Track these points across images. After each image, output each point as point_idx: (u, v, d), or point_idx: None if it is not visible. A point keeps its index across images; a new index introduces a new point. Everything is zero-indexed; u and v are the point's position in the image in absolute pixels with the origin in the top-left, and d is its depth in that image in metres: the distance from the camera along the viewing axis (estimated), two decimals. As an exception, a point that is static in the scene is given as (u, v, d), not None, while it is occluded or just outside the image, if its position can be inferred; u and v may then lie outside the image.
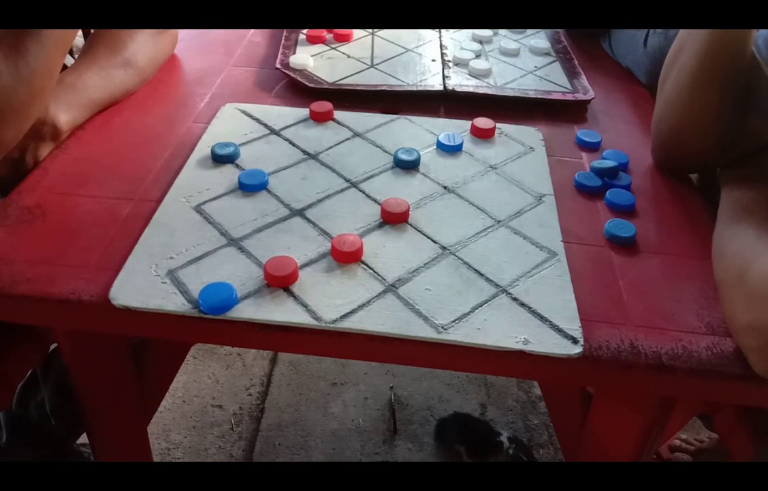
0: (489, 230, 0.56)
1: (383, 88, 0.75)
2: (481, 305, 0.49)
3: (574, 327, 0.47)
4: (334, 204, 0.58)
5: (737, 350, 0.46)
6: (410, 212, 0.57)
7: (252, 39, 0.89)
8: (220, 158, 0.62)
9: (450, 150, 0.66)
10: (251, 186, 0.59)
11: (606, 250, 0.55)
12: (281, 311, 0.47)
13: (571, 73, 0.80)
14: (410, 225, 0.56)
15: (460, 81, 0.77)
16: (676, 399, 0.54)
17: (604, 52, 0.89)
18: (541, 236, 0.55)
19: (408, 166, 0.63)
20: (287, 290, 0.49)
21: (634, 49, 0.81)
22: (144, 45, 0.73)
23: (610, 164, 0.63)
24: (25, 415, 0.83)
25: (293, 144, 0.66)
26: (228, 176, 0.61)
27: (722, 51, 0.56)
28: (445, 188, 0.61)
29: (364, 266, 0.52)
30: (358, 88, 0.75)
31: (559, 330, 0.47)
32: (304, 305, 0.48)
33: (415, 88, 0.75)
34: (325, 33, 0.86)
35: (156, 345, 0.67)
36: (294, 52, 0.82)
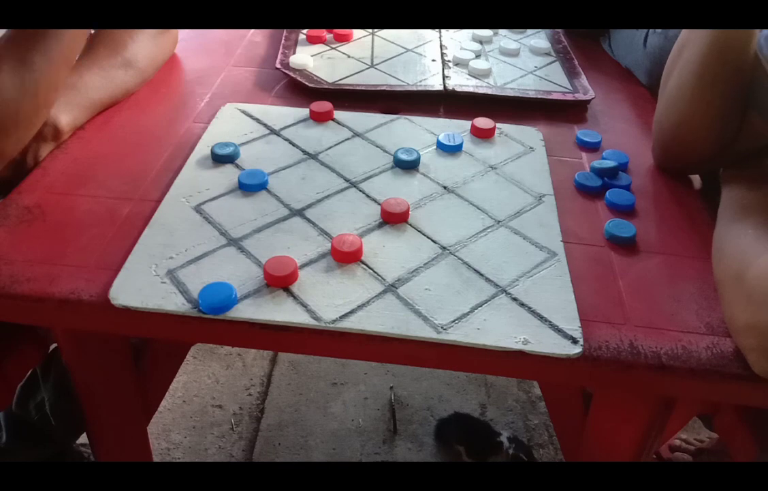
0: (489, 230, 0.56)
1: (383, 88, 0.75)
2: (481, 305, 0.49)
3: (574, 327, 0.47)
4: (333, 204, 0.58)
5: (737, 350, 0.46)
6: (410, 212, 0.57)
7: (252, 39, 0.89)
8: (220, 158, 0.62)
9: (450, 150, 0.66)
10: (251, 186, 0.59)
11: (606, 250, 0.55)
12: (281, 311, 0.47)
13: (571, 73, 0.80)
14: (410, 225, 0.56)
15: (460, 81, 0.77)
16: (676, 399, 0.54)
17: (604, 52, 0.89)
18: (541, 236, 0.55)
19: (408, 166, 0.63)
20: (287, 290, 0.49)
21: (634, 49, 0.81)
22: (144, 45, 0.73)
23: (610, 164, 0.63)
24: (25, 415, 0.82)
25: (293, 144, 0.66)
26: (228, 176, 0.61)
27: (725, 49, 0.56)
28: (445, 188, 0.61)
29: (364, 266, 0.52)
30: (358, 88, 0.75)
31: (558, 330, 0.47)
32: (304, 305, 0.48)
33: (415, 88, 0.75)
34: (325, 33, 0.86)
35: (156, 345, 0.67)
36: (294, 52, 0.82)
